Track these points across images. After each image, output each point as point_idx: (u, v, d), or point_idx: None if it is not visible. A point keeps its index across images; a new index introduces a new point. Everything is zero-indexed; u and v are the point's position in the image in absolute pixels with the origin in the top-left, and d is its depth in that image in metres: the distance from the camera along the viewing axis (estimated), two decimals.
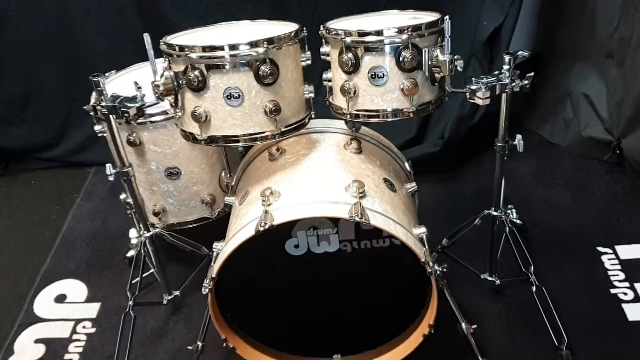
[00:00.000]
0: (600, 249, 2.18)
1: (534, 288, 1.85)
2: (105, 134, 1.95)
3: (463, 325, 1.72)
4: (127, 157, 1.90)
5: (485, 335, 1.88)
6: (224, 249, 1.59)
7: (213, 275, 1.56)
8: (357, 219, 1.45)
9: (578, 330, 1.84)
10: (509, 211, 1.85)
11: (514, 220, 2.17)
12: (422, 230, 1.62)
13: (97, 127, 1.94)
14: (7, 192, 2.96)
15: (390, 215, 1.56)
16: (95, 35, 2.74)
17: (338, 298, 1.71)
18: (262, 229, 1.46)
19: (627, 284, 2.02)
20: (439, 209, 2.45)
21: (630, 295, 1.98)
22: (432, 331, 1.65)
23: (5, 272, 2.40)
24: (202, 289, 1.60)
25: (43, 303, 2.23)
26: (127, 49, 2.64)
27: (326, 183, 1.62)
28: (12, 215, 2.77)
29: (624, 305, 1.94)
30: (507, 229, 1.85)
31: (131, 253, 2.31)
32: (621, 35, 2.35)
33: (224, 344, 1.70)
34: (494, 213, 1.83)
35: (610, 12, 2.37)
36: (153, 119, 1.86)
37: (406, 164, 1.94)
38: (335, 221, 1.56)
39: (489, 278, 1.96)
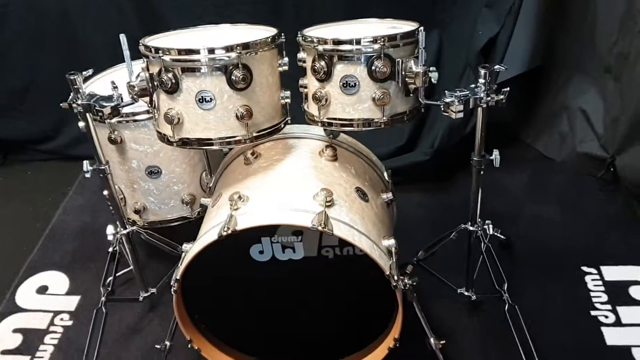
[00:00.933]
0: (585, 268, 2.13)
1: (506, 306, 1.82)
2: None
3: (432, 340, 1.70)
4: (109, 154, 1.94)
5: (458, 351, 1.86)
6: (189, 251, 1.59)
7: (177, 277, 1.56)
8: (320, 228, 1.43)
9: (554, 351, 1.80)
10: (486, 226, 1.82)
11: (496, 234, 2.14)
12: (391, 242, 1.61)
13: (80, 124, 1.95)
14: (4, 182, 3.01)
15: (357, 225, 1.54)
16: (94, 31, 2.76)
17: (305, 306, 1.70)
18: (225, 233, 1.46)
19: (609, 307, 1.98)
20: (425, 220, 2.42)
21: (612, 318, 1.93)
22: (397, 345, 1.63)
23: None
24: (171, 290, 1.61)
25: (25, 293, 2.25)
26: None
27: (295, 190, 1.61)
28: (7, 205, 2.81)
29: (603, 329, 1.90)
30: (482, 244, 1.82)
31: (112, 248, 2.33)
32: (620, 50, 2.30)
33: (189, 345, 1.71)
34: (470, 228, 1.80)
35: (609, 26, 2.32)
36: (135, 117, 1.88)
37: (385, 174, 1.92)
38: (300, 229, 1.55)
39: (466, 293, 1.93)
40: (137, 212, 2.06)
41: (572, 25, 2.53)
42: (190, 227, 2.10)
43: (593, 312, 1.96)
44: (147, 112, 1.86)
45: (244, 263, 1.59)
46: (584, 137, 2.55)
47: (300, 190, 1.60)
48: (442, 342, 1.70)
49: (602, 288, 2.05)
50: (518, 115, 2.80)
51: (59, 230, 2.57)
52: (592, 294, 2.03)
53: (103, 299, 1.91)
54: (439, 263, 2.04)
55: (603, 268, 2.12)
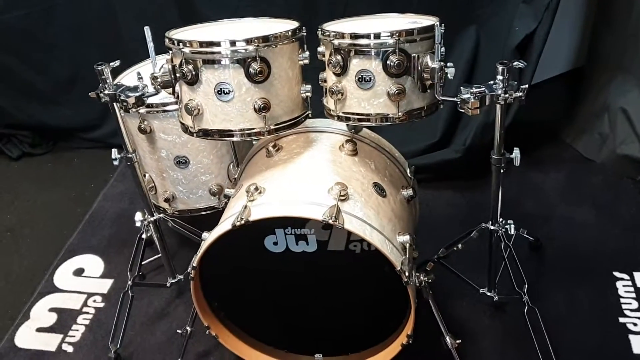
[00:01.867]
0: (616, 274, 2.06)
1: (526, 308, 1.78)
2: None
3: (447, 338, 1.69)
4: (140, 143, 2.01)
5: (477, 351, 1.84)
6: (206, 240, 1.63)
7: (194, 264, 1.60)
8: (330, 221, 1.44)
9: (577, 357, 1.76)
10: (507, 226, 1.78)
11: (524, 235, 2.10)
12: (405, 238, 1.60)
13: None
14: (52, 168, 3.16)
15: (370, 220, 1.54)
16: (136, 24, 2.84)
17: (320, 298, 1.71)
18: (238, 224, 1.49)
19: (639, 314, 1.91)
20: (454, 218, 2.39)
21: None
22: (410, 341, 1.62)
23: (36, 242, 2.57)
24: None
25: (63, 275, 2.36)
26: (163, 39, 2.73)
27: (310, 183, 1.62)
28: (53, 190, 2.94)
29: (631, 337, 1.84)
30: (503, 244, 1.78)
31: (145, 235, 2.41)
32: None
33: (207, 332, 1.75)
34: (491, 227, 1.77)
35: None
36: (164, 108, 1.93)
37: (408, 170, 1.91)
38: (314, 222, 1.56)
39: (488, 293, 1.90)
40: (167, 200, 2.12)
41: (615, 23, 2.44)
42: (217, 217, 2.15)
43: (622, 319, 1.90)
44: (175, 102, 1.91)
45: (258, 253, 1.61)
46: (625, 138, 2.45)
47: (316, 184, 1.61)
48: (458, 341, 1.68)
49: (634, 295, 1.98)
50: (559, 115, 2.72)
51: (98, 216, 2.68)
52: (622, 300, 1.96)
53: (130, 283, 1.98)
54: (463, 262, 2.01)
55: (636, 274, 2.05)
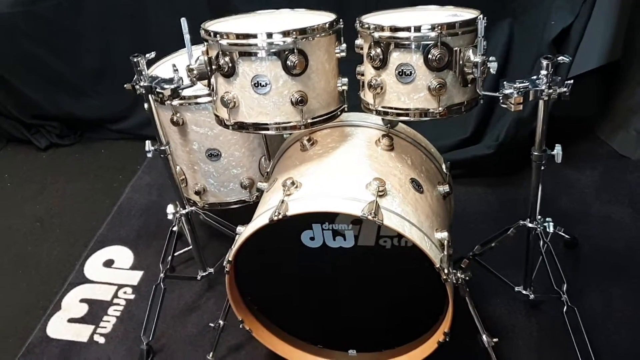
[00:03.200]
0: None
1: (565, 308, 1.75)
2: None
3: (484, 337, 1.66)
4: (171, 135, 2.00)
5: (512, 350, 1.82)
6: (242, 234, 1.62)
7: (230, 258, 1.60)
8: (369, 217, 1.42)
9: (615, 357, 1.73)
10: (546, 224, 1.75)
11: (560, 233, 2.06)
12: (444, 235, 1.57)
13: (146, 105, 2.03)
14: (79, 158, 3.17)
15: (408, 216, 1.52)
16: (165, 15, 2.84)
17: (355, 294, 1.70)
18: (275, 218, 1.48)
19: None
20: (486, 215, 2.36)
21: None
22: (447, 339, 1.60)
23: (65, 232, 2.59)
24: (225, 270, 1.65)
25: (93, 265, 2.38)
26: (194, 29, 2.71)
27: (348, 178, 1.60)
28: (81, 181, 2.96)
29: None
30: (541, 242, 1.75)
31: (176, 227, 2.41)
32: None
33: (240, 326, 1.74)
34: (529, 225, 1.74)
35: None
36: (197, 100, 1.92)
37: (443, 166, 1.88)
38: (356, 219, 1.54)
39: (523, 292, 1.87)
40: (197, 193, 2.11)
41: None
42: (248, 211, 2.14)
43: None
44: (208, 94, 1.90)
45: (294, 248, 1.60)
46: None
47: (353, 179, 1.59)
48: (494, 339, 1.66)
49: None
50: (594, 110, 2.67)
51: (126, 207, 2.69)
52: None
53: (162, 275, 1.98)
54: (498, 260, 1.98)
55: None
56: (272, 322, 1.80)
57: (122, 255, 2.42)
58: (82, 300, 2.21)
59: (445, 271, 1.48)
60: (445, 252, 1.54)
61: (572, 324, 1.74)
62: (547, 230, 1.74)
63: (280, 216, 1.47)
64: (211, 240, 2.34)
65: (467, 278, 1.61)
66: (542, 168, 1.64)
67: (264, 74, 1.53)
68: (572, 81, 1.46)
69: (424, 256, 1.47)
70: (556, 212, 1.92)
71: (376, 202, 1.47)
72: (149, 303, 1.99)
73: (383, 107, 1.56)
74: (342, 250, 1.58)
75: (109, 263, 2.38)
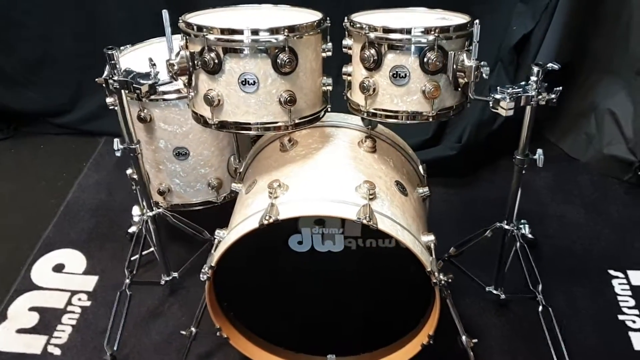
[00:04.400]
0: (611, 272, 2.11)
1: (540, 308, 1.80)
2: (116, 107, 1.93)
3: (463, 338, 1.68)
4: (136, 133, 1.88)
5: (485, 349, 1.84)
6: (226, 238, 1.55)
7: (212, 264, 1.52)
8: (364, 221, 1.40)
9: (581, 354, 1.78)
10: (521, 226, 1.79)
11: (526, 234, 2.12)
12: (430, 238, 1.57)
13: (108, 100, 1.90)
14: (16, 154, 2.95)
15: (398, 220, 1.51)
16: (115, 5, 2.69)
17: (338, 298, 1.67)
18: (266, 222, 1.42)
19: (636, 312, 1.96)
20: (449, 215, 2.39)
21: (639, 323, 1.92)
22: (431, 342, 1.61)
23: (6, 236, 2.39)
24: (201, 276, 1.57)
25: (41, 271, 2.21)
26: (147, 21, 2.55)
27: (336, 181, 1.57)
28: (19, 179, 2.75)
29: (630, 334, 1.88)
30: (517, 244, 1.79)
31: (133, 229, 2.28)
32: None
33: (218, 333, 1.67)
34: (506, 226, 1.77)
35: None
36: (166, 96, 1.82)
37: (420, 167, 1.88)
38: (342, 221, 1.51)
39: (494, 292, 1.91)
40: (161, 193, 2.01)
41: (605, 25, 2.48)
42: (211, 212, 2.07)
43: (620, 317, 1.95)
44: (178, 91, 1.81)
45: (281, 253, 1.55)
46: (612, 139, 2.52)
47: (342, 182, 1.56)
48: (474, 340, 1.68)
49: (629, 292, 2.03)
50: (544, 114, 2.75)
51: (74, 208, 2.52)
52: (619, 298, 2.01)
53: (127, 281, 1.88)
54: (465, 259, 2.01)
55: (630, 272, 2.10)
56: (249, 329, 1.74)
57: (73, 259, 2.26)
58: (31, 309, 2.04)
59: (435, 274, 1.48)
60: (434, 256, 1.54)
61: (546, 324, 1.78)
62: (523, 232, 1.78)
63: (271, 220, 1.42)
64: (170, 243, 2.23)
65: (449, 280, 1.62)
66: (523, 172, 1.67)
67: (252, 71, 1.47)
68: (560, 88, 1.49)
69: (412, 259, 1.47)
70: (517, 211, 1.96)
71: (369, 205, 1.45)
72: (113, 310, 1.87)
73: (375, 109, 1.54)
74: (329, 254, 1.55)
75: (59, 268, 2.22)
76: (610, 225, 2.33)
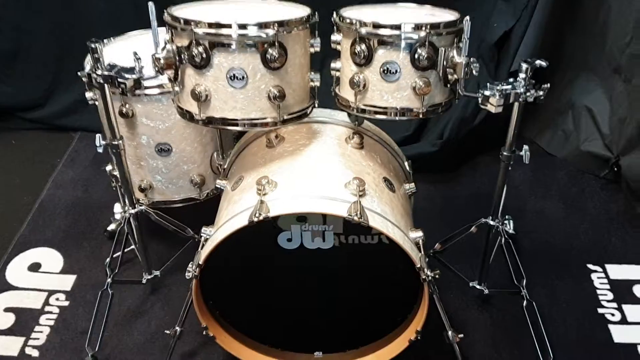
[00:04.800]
0: (590, 266, 2.15)
1: (524, 302, 1.82)
2: (96, 102, 1.88)
3: (450, 333, 1.68)
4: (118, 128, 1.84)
5: (469, 344, 1.85)
6: (213, 236, 1.53)
7: (200, 262, 1.50)
8: (356, 218, 1.39)
9: (562, 348, 1.81)
10: (506, 222, 1.80)
11: (509, 230, 2.14)
12: (419, 234, 1.58)
13: (88, 94, 1.86)
14: None
15: (388, 216, 1.51)
16: None
17: (325, 294, 1.66)
18: (256, 219, 1.40)
19: (614, 305, 2.00)
20: (431, 211, 2.39)
21: (618, 316, 1.96)
22: (419, 337, 1.61)
23: None
24: (186, 274, 1.54)
25: (16, 270, 2.14)
26: (127, 13, 2.51)
27: (325, 177, 1.56)
28: None
29: (610, 326, 1.92)
30: (502, 239, 1.81)
31: (112, 227, 2.24)
32: (632, 52, 2.30)
33: (204, 332, 1.65)
34: (491, 222, 1.78)
35: (623, 26, 2.32)
36: (148, 91, 1.78)
37: (406, 164, 1.88)
38: (330, 218, 1.49)
39: (478, 286, 1.92)
40: (142, 190, 1.96)
41: (583, 22, 2.52)
42: (192, 209, 2.03)
43: (600, 310, 1.98)
44: (161, 86, 1.77)
45: (269, 250, 1.54)
46: (589, 135, 2.56)
47: (331, 178, 1.55)
48: (460, 335, 1.68)
49: (608, 286, 2.07)
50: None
51: (49, 205, 2.45)
52: (598, 291, 2.05)
53: (109, 280, 1.83)
54: (448, 255, 2.02)
55: (608, 266, 2.14)
56: (235, 327, 1.72)
57: (50, 258, 2.19)
58: (7, 309, 1.98)
59: (425, 271, 1.49)
60: (422, 252, 1.55)
61: (530, 318, 1.81)
62: (507, 228, 1.80)
63: (261, 217, 1.40)
64: (150, 241, 2.17)
65: (437, 276, 1.62)
66: (509, 168, 1.68)
67: (240, 66, 1.45)
68: (548, 85, 1.51)
69: (402, 256, 1.47)
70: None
71: (359, 202, 1.44)
72: (95, 310, 1.82)
73: (365, 105, 1.53)
74: (318, 251, 1.54)
75: (35, 267, 2.16)
76: (587, 220, 2.38)
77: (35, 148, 2.82)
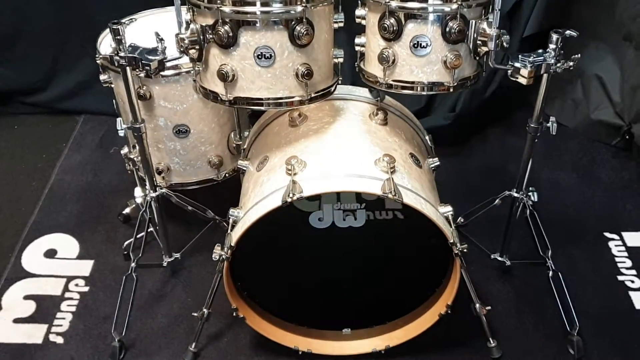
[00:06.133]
0: (607, 234, 2.17)
1: (550, 273, 1.83)
2: (111, 85, 1.85)
3: (477, 305, 1.69)
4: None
5: (493, 316, 1.85)
6: (245, 217, 1.51)
7: (232, 244, 1.48)
8: (390, 196, 1.38)
9: (585, 316, 1.82)
10: (530, 194, 1.80)
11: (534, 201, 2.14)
12: (448, 209, 1.58)
13: (102, 77, 1.83)
14: None
15: (419, 192, 1.50)
16: None
17: (354, 272, 1.67)
18: (289, 199, 1.39)
19: (634, 272, 2.02)
20: (446, 185, 2.36)
21: (638, 283, 1.98)
22: (449, 311, 1.62)
23: None
24: (213, 256, 1.53)
25: (32, 257, 2.12)
26: None
27: (354, 155, 1.54)
28: None
29: (631, 293, 1.95)
30: (527, 211, 1.81)
31: (127, 210, 2.21)
32: None
33: (234, 314, 1.65)
34: (516, 194, 1.78)
35: None
36: (166, 72, 1.74)
37: (427, 138, 1.87)
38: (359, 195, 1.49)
39: (499, 258, 1.93)
40: (159, 172, 1.94)
41: None
42: (208, 190, 2.01)
43: (620, 277, 2.00)
44: (178, 67, 1.73)
45: (300, 230, 1.53)
46: (599, 104, 2.55)
47: (361, 156, 1.53)
48: (487, 307, 1.70)
49: (626, 254, 2.09)
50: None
51: (59, 191, 2.41)
52: (617, 259, 2.07)
53: (133, 264, 1.81)
54: (469, 227, 2.03)
55: (625, 234, 2.16)
56: (263, 307, 1.72)
57: (65, 243, 2.17)
58: (27, 297, 1.96)
59: (457, 246, 1.49)
60: (453, 227, 1.54)
61: (556, 288, 1.82)
62: (532, 199, 1.80)
63: (295, 197, 1.39)
64: (169, 223, 2.15)
65: (465, 250, 1.63)
66: (536, 140, 1.67)
67: (268, 44, 1.42)
68: (579, 55, 1.50)
69: (434, 231, 1.47)
70: (510, 179, 1.99)
71: (392, 179, 1.43)
72: (120, 295, 1.81)
73: (394, 80, 1.50)
74: (349, 230, 1.54)
75: (51, 253, 2.13)
76: (601, 189, 2.38)
77: (39, 133, 2.75)
